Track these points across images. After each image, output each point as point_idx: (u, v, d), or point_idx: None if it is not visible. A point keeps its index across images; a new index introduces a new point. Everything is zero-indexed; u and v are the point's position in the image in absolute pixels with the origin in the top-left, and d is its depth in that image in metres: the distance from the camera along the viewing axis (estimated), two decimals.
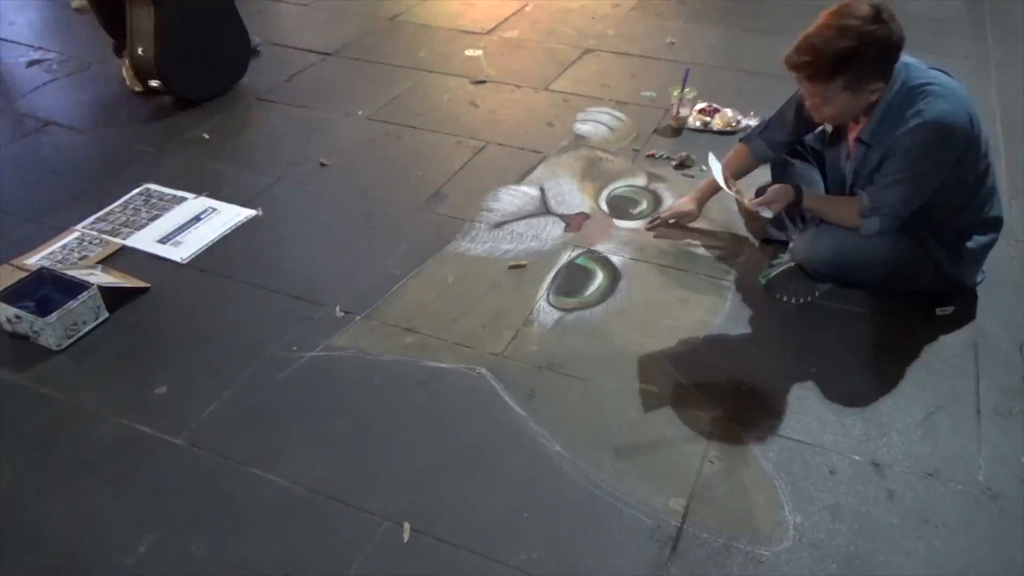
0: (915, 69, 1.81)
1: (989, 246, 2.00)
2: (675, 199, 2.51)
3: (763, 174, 2.29)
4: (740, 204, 2.16)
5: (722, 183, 2.06)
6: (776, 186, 2.03)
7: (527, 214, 2.48)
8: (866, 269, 1.98)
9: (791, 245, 2.11)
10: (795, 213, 2.12)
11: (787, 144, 2.18)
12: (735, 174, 2.24)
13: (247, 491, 1.63)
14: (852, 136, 1.94)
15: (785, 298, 2.07)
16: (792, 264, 2.07)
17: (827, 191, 2.13)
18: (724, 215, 2.44)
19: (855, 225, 1.91)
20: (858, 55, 1.70)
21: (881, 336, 2.00)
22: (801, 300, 2.07)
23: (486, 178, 2.67)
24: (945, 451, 1.70)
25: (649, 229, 2.38)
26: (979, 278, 2.06)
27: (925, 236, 1.93)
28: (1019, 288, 2.13)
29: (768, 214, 2.03)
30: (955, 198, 1.88)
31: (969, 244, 1.95)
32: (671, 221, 2.38)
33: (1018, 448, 1.70)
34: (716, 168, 2.10)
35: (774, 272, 2.11)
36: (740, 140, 2.28)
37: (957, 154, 1.80)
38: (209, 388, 1.87)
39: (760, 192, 2.09)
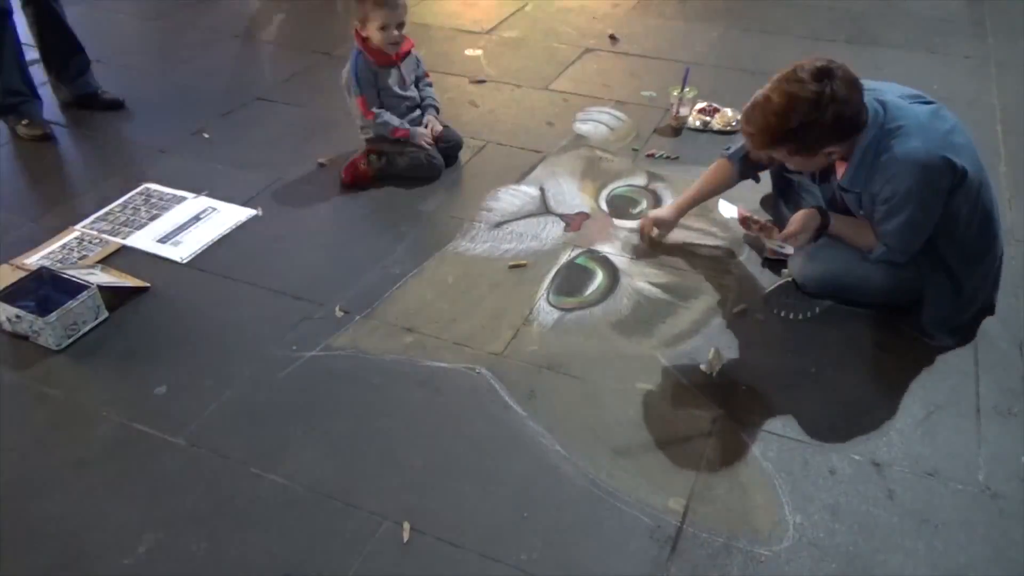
0: (893, 109, 1.75)
1: (988, 275, 1.95)
2: (675, 198, 2.51)
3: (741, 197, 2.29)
4: (761, 237, 2.06)
5: (736, 219, 2.04)
6: (801, 213, 1.93)
7: (527, 214, 2.48)
8: (862, 292, 1.99)
9: (788, 261, 2.09)
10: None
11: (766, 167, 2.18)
12: (714, 190, 2.24)
13: (247, 491, 1.63)
14: (840, 172, 1.89)
15: (783, 313, 2.05)
16: (788, 280, 2.07)
17: None
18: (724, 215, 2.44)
19: (872, 247, 1.90)
20: (801, 134, 1.69)
21: (881, 336, 2.00)
22: (800, 316, 2.04)
23: (486, 178, 2.67)
24: (945, 451, 1.70)
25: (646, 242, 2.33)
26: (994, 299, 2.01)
27: (929, 266, 1.89)
28: (1019, 288, 2.13)
29: (790, 250, 1.97)
30: (951, 230, 1.83)
31: (969, 273, 1.90)
32: (652, 233, 2.31)
33: (1018, 448, 1.70)
34: (730, 210, 2.08)
35: (771, 288, 2.10)
36: (725, 156, 2.22)
37: (942, 189, 1.76)
38: (209, 388, 1.87)
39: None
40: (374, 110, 2.56)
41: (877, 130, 1.75)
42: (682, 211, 2.31)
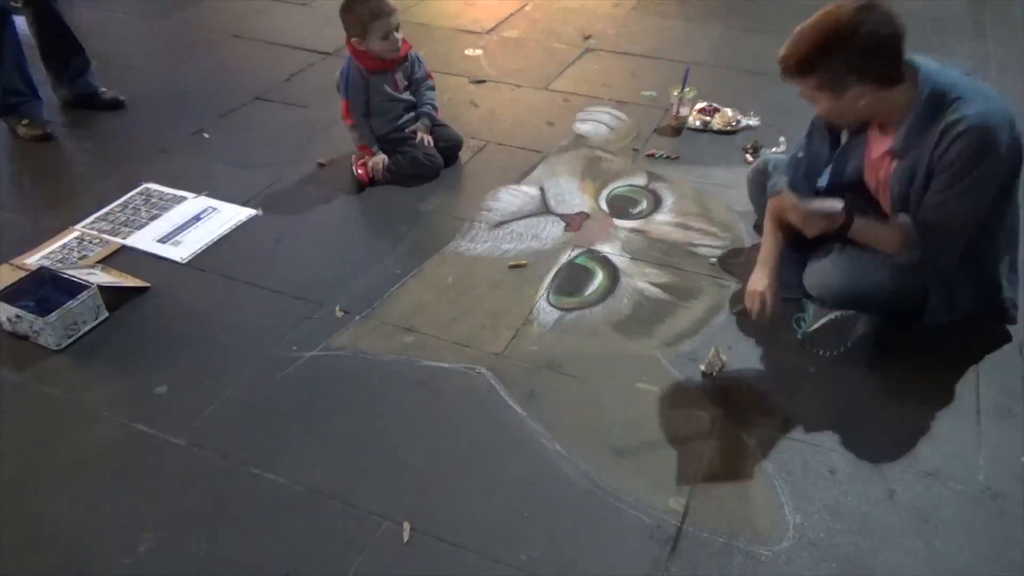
0: (942, 74, 1.68)
1: (1012, 275, 1.87)
2: (675, 198, 2.51)
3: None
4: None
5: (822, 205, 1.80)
6: (827, 203, 1.76)
7: (527, 214, 2.48)
8: (873, 300, 1.88)
9: (805, 272, 1.94)
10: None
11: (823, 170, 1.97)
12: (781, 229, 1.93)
13: (247, 491, 1.63)
14: (880, 151, 1.80)
15: (823, 351, 1.93)
16: (831, 317, 1.90)
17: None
18: (724, 215, 2.44)
19: (895, 253, 1.77)
20: (827, 54, 1.63)
21: (881, 336, 1.99)
22: (836, 352, 1.94)
23: (486, 178, 2.67)
24: (945, 451, 1.69)
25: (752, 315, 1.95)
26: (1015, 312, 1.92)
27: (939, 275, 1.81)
28: (1019, 288, 2.12)
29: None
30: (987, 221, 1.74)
31: (992, 274, 1.83)
32: (766, 304, 1.89)
33: (1018, 448, 1.70)
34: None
35: (811, 328, 1.93)
36: (779, 190, 1.93)
37: (1003, 159, 1.65)
38: (209, 388, 1.87)
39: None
40: (354, 117, 2.61)
41: (928, 92, 1.66)
42: (778, 272, 1.92)
